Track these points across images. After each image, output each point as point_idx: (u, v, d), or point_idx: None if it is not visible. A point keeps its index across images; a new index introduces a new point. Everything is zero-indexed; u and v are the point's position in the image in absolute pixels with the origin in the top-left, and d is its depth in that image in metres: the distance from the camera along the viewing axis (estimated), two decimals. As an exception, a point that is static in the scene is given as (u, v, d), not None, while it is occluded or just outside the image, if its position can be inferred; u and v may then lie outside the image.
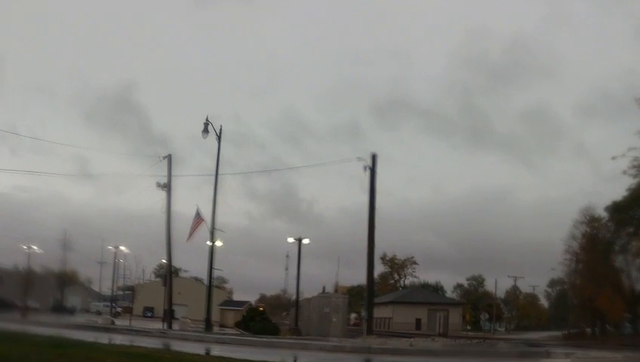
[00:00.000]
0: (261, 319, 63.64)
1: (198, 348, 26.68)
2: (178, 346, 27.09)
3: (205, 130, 50.74)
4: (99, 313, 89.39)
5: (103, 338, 28.03)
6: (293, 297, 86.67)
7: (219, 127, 51.01)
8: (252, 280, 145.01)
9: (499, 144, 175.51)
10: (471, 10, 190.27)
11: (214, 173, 51.65)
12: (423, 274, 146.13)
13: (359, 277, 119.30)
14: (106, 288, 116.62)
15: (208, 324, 52.43)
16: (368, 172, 45.46)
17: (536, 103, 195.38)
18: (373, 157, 45.91)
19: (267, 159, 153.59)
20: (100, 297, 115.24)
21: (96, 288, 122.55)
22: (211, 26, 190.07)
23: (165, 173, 53.63)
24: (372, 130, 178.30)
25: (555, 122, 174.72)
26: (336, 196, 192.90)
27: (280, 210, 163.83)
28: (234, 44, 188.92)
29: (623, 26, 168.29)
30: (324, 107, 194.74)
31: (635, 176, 49.74)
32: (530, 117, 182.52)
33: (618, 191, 70.83)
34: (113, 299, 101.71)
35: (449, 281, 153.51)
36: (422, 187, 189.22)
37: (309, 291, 69.50)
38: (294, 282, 73.39)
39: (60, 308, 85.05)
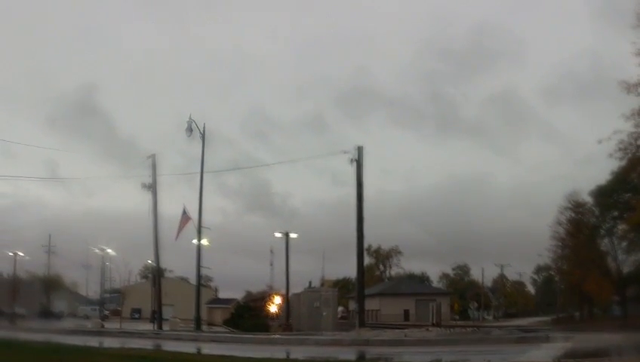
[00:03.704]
0: (250, 316, 63.44)
1: (194, 348, 26.40)
2: (175, 346, 26.78)
3: (189, 129, 50.50)
4: (86, 317, 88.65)
5: (97, 342, 27.66)
6: (280, 293, 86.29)
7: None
8: (236, 278, 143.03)
9: (469, 131, 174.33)
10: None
11: (198, 171, 51.48)
12: (408, 265, 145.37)
13: (343, 271, 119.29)
14: (92, 292, 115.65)
15: (198, 323, 52.10)
16: (354, 164, 45.33)
17: (504, 88, 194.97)
18: (360, 150, 45.76)
19: (235, 155, 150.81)
20: (87, 301, 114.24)
21: (82, 292, 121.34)
22: (172, 22, 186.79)
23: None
24: (341, 123, 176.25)
25: (523, 106, 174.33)
26: (313, 190, 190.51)
27: (257, 205, 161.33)
28: (196, 41, 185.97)
29: (583, 7, 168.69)
30: (291, 100, 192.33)
31: (621, 159, 49.70)
32: (498, 102, 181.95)
33: (593, 173, 70.35)
34: (101, 303, 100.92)
35: (434, 270, 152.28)
36: (396, 178, 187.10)
37: (294, 286, 68.74)
38: (280, 278, 72.90)
39: (47, 314, 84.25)
